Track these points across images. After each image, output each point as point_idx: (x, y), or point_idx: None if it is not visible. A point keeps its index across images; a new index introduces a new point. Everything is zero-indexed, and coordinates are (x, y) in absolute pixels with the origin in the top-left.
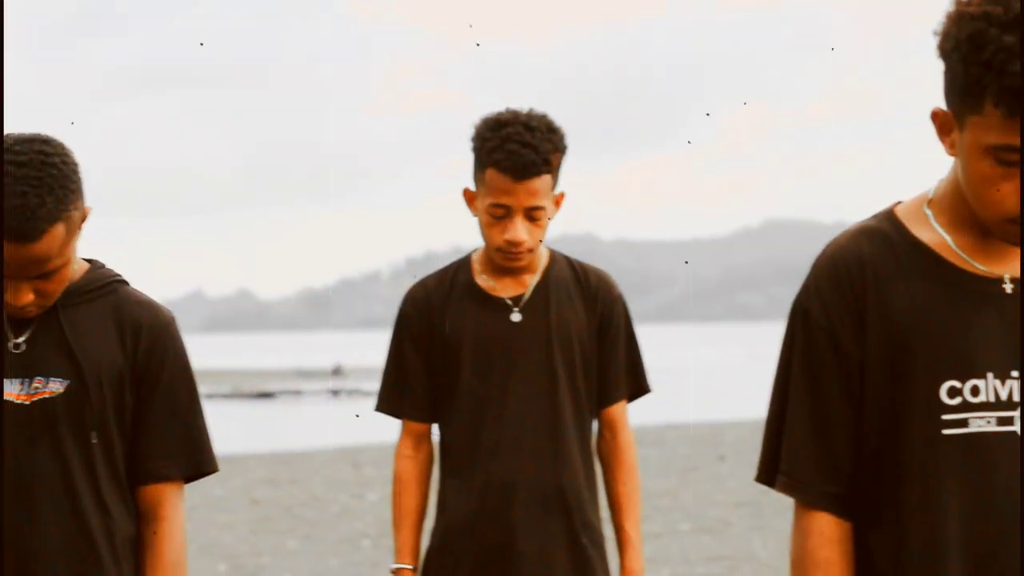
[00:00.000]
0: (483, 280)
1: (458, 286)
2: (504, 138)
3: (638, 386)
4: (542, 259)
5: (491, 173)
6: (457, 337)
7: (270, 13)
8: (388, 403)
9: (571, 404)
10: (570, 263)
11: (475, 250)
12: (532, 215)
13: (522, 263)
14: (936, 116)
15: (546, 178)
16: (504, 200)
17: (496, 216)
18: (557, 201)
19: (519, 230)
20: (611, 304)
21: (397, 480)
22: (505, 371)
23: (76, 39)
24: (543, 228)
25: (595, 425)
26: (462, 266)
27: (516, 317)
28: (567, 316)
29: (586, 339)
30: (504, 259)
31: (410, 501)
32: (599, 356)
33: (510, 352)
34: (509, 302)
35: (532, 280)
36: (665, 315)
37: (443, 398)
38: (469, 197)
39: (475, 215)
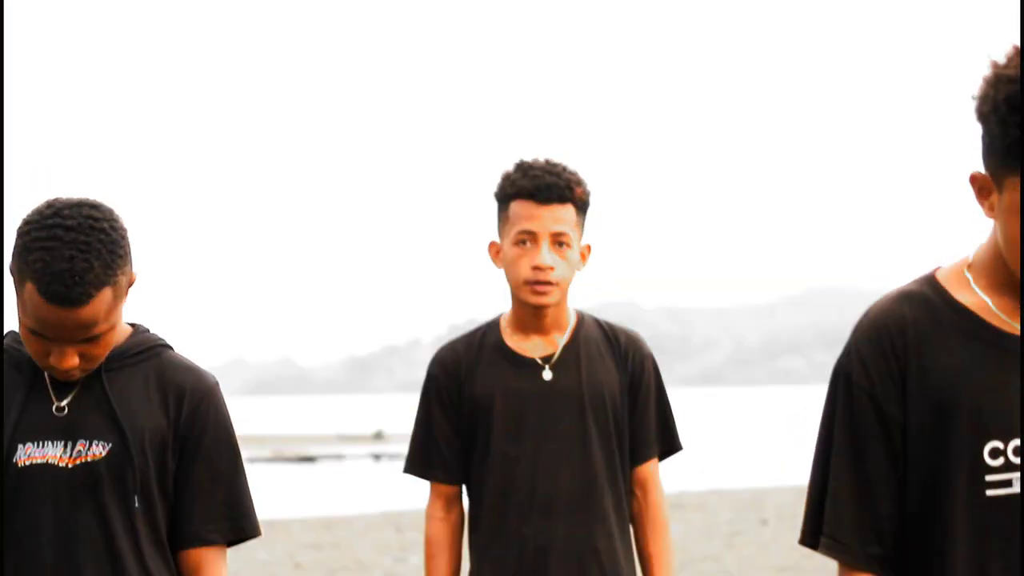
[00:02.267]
0: (512, 341)
1: (487, 348)
2: (526, 170)
3: (669, 444)
4: (570, 319)
5: (514, 205)
6: (488, 398)
7: (322, 73)
8: (417, 465)
9: (604, 463)
10: (598, 323)
11: (502, 313)
12: (559, 240)
13: (550, 298)
14: (975, 179)
15: (569, 208)
16: (529, 226)
17: (521, 243)
18: (584, 253)
19: (544, 256)
20: (641, 362)
21: (429, 543)
22: (538, 431)
23: (108, 90)
24: (570, 266)
25: None
26: (490, 328)
27: (547, 375)
28: (599, 374)
29: (618, 398)
30: (532, 293)
31: (444, 564)
32: (631, 415)
33: (543, 411)
34: (540, 361)
35: (561, 339)
36: (707, 379)
37: (473, 460)
38: (494, 250)
39: (499, 267)
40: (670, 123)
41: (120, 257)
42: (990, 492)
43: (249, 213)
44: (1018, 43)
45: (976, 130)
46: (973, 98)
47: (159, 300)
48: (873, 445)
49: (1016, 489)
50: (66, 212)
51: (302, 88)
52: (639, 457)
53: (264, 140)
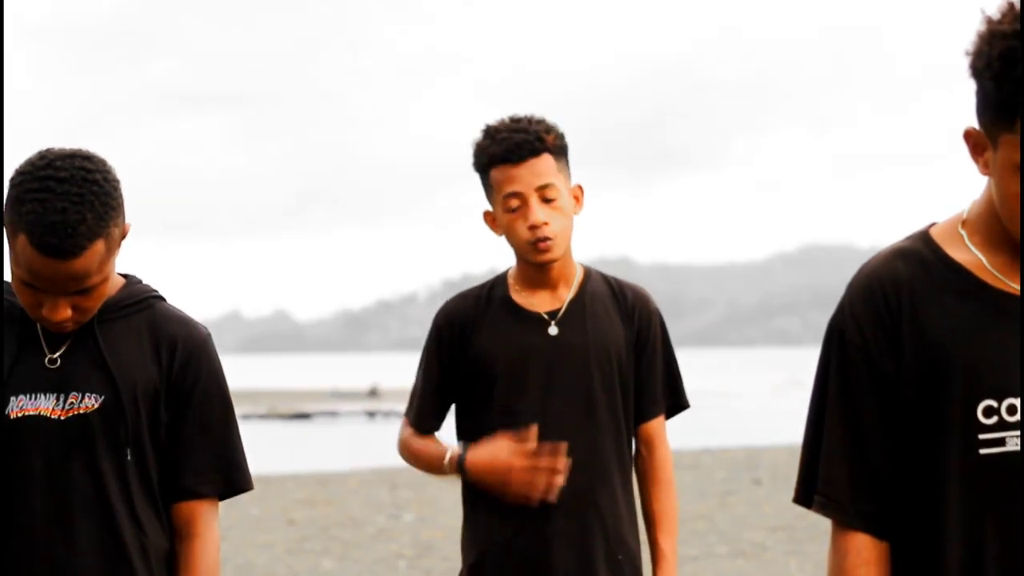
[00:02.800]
0: (519, 296)
1: (494, 301)
2: (493, 135)
3: (676, 402)
4: (577, 273)
5: (493, 172)
6: (492, 352)
7: (313, 36)
8: (413, 415)
9: (609, 419)
10: (605, 279)
11: (510, 267)
12: (545, 196)
13: (554, 254)
14: (969, 136)
15: (546, 157)
16: (513, 188)
17: (513, 209)
18: (576, 194)
19: (536, 213)
20: (648, 318)
21: (404, 441)
22: (542, 386)
23: (118, 58)
24: (565, 216)
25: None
26: (498, 282)
27: (553, 331)
28: (605, 330)
29: (624, 355)
30: (535, 253)
31: (425, 441)
32: (637, 372)
33: (548, 367)
34: (546, 316)
35: (568, 294)
36: (702, 339)
37: (475, 414)
38: (490, 219)
39: (500, 234)
40: (664, 76)
41: (113, 208)
42: (983, 451)
43: (245, 165)
44: None
45: (971, 86)
46: (967, 54)
47: (156, 252)
48: (867, 403)
49: (1010, 448)
50: (59, 163)
51: (296, 40)
52: (646, 414)
53: (260, 92)
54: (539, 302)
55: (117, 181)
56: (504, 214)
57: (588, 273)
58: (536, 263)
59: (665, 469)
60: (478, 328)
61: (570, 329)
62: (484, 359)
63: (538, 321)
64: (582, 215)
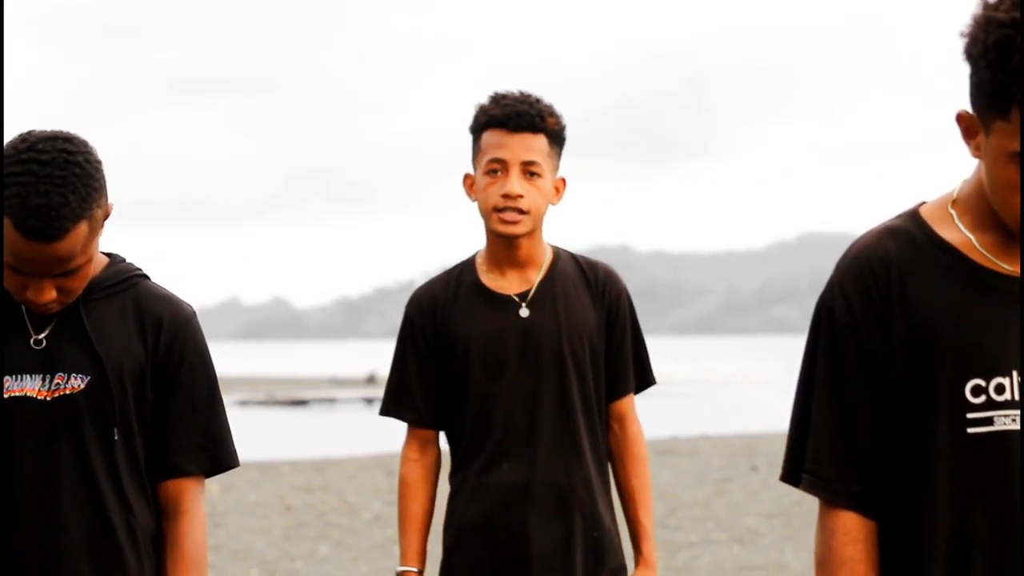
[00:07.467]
0: (488, 279)
1: (464, 286)
2: (498, 100)
3: (644, 378)
4: (546, 255)
5: (486, 134)
6: (465, 337)
7: (314, 23)
8: (389, 406)
9: (581, 401)
10: (574, 258)
11: (478, 251)
12: (529, 170)
13: (520, 227)
14: (961, 119)
15: (541, 138)
16: (499, 154)
17: (493, 172)
18: (558, 186)
19: (514, 184)
20: (617, 296)
21: (402, 483)
22: (515, 369)
23: (119, 44)
24: (543, 198)
25: None
26: (466, 267)
27: (524, 312)
28: (576, 311)
29: (595, 334)
30: (500, 222)
31: (416, 504)
32: (607, 350)
33: (520, 349)
34: (516, 298)
35: (537, 276)
36: (701, 327)
37: (453, 400)
38: (468, 182)
39: (473, 200)
40: (665, 65)
41: (95, 190)
42: (971, 430)
43: (245, 153)
44: None
45: (964, 70)
46: (961, 36)
47: (155, 239)
48: (855, 381)
49: (998, 427)
50: (40, 146)
51: (297, 28)
52: (617, 392)
53: (259, 80)
54: (508, 284)
55: (99, 162)
56: (483, 176)
57: (557, 254)
58: (498, 233)
59: (638, 444)
60: (450, 313)
61: (541, 310)
62: (457, 344)
63: (509, 303)
64: (574, 205)
